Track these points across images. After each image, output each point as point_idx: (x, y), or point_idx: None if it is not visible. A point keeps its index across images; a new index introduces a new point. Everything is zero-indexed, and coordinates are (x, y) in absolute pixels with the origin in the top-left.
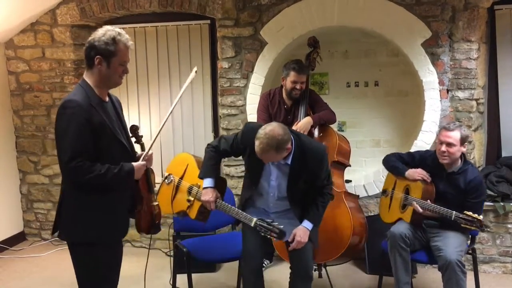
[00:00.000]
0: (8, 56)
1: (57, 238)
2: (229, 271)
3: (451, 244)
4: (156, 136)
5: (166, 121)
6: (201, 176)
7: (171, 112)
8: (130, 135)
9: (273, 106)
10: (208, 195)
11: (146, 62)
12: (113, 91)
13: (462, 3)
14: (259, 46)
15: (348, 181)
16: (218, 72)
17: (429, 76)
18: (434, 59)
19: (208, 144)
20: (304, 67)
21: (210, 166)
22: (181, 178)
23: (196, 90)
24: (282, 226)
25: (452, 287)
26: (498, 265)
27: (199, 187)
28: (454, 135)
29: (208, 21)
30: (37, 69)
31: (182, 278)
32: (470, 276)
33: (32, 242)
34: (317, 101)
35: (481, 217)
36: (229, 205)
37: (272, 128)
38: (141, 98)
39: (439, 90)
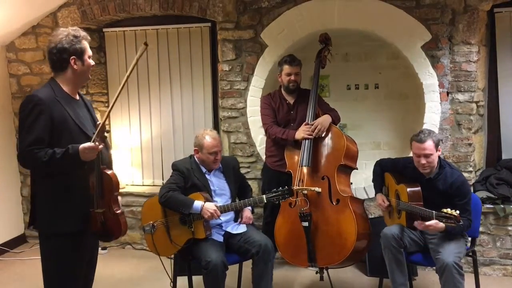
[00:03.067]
0: (9, 59)
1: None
2: (230, 273)
3: (449, 247)
4: (110, 110)
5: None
6: (188, 210)
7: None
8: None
9: (275, 102)
10: (209, 209)
11: (147, 65)
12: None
13: (462, 6)
14: (259, 48)
15: None
16: (219, 74)
17: (429, 79)
18: (434, 61)
19: (161, 195)
20: (296, 59)
21: (184, 198)
22: (165, 217)
23: (196, 93)
24: (285, 187)
25: None
26: (499, 267)
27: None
28: (429, 145)
29: (209, 24)
30: (38, 72)
31: (182, 280)
32: (470, 278)
33: (33, 244)
34: (322, 102)
35: (457, 212)
36: (229, 204)
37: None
38: (141, 100)
39: (439, 93)
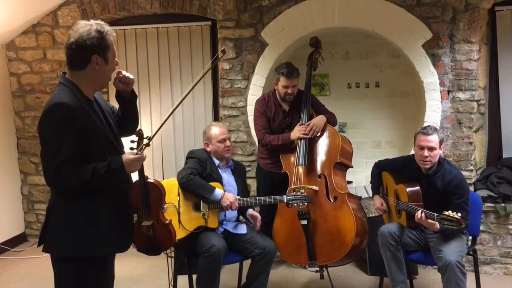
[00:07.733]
0: (9, 58)
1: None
2: (230, 272)
3: (451, 245)
4: (159, 128)
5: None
6: (210, 194)
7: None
8: (136, 139)
9: (270, 109)
10: (229, 199)
11: (147, 64)
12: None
13: (462, 4)
14: (260, 47)
15: (349, 182)
16: (219, 73)
17: (430, 77)
18: (435, 60)
19: (183, 176)
20: (293, 70)
21: (206, 183)
22: (179, 201)
23: (197, 92)
24: (305, 193)
25: None
26: (499, 266)
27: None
28: (434, 139)
29: (209, 23)
30: (38, 71)
31: (183, 279)
32: (471, 277)
33: (33, 243)
34: (317, 103)
35: (458, 215)
36: (250, 198)
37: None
38: (142, 99)
39: (440, 91)
